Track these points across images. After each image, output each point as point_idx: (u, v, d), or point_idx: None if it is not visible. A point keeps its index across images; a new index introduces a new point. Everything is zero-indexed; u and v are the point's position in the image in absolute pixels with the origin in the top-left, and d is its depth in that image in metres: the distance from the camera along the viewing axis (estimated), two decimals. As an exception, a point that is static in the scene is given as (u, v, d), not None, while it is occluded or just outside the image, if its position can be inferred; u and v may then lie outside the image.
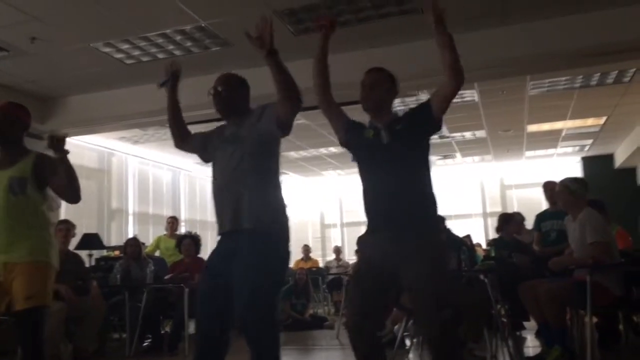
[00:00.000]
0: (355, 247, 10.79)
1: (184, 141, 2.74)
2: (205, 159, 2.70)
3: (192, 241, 5.92)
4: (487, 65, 5.18)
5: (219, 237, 2.52)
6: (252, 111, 2.57)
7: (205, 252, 4.56)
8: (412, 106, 2.49)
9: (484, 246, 9.66)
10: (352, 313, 2.50)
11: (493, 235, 10.84)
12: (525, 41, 5.11)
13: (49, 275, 2.67)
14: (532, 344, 5.04)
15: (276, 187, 2.49)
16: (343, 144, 2.63)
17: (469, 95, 7.25)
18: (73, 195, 2.72)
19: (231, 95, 2.56)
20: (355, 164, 2.59)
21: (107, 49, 5.31)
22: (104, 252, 7.57)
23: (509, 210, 11.59)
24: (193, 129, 2.80)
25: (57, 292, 4.60)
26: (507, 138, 9.80)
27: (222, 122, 2.69)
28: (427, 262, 2.33)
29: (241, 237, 2.37)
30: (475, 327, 4.17)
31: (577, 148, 10.88)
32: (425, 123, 2.47)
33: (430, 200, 2.46)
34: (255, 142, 2.45)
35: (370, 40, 5.27)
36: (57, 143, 2.62)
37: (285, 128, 2.44)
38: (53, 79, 5.99)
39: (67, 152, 2.64)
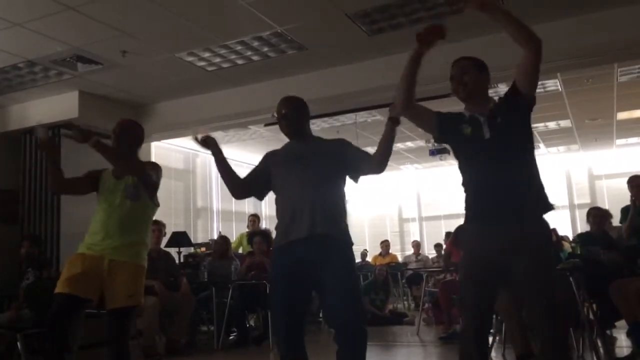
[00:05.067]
0: (434, 242, 10.79)
1: (241, 193, 2.79)
2: (260, 197, 2.79)
3: (263, 238, 6.15)
4: (570, 55, 4.97)
5: (288, 244, 2.55)
6: (315, 137, 2.76)
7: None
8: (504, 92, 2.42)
9: (571, 239, 9.24)
10: (469, 307, 2.41)
11: (582, 227, 10.40)
12: (609, 29, 4.83)
13: (144, 279, 2.90)
14: (625, 344, 4.81)
15: (344, 196, 2.69)
16: (438, 140, 2.63)
17: (551, 84, 6.98)
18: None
19: (296, 116, 2.68)
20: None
21: (190, 58, 5.60)
22: (192, 249, 7.96)
23: (599, 202, 11.09)
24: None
25: (151, 287, 4.95)
26: (595, 127, 9.33)
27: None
28: (537, 255, 2.28)
29: (327, 243, 2.50)
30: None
31: (674, 134, 10.17)
32: (518, 103, 2.39)
33: (537, 191, 2.38)
34: (334, 163, 2.61)
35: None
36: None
37: (357, 179, 2.70)
38: (142, 87, 6.39)
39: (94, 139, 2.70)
